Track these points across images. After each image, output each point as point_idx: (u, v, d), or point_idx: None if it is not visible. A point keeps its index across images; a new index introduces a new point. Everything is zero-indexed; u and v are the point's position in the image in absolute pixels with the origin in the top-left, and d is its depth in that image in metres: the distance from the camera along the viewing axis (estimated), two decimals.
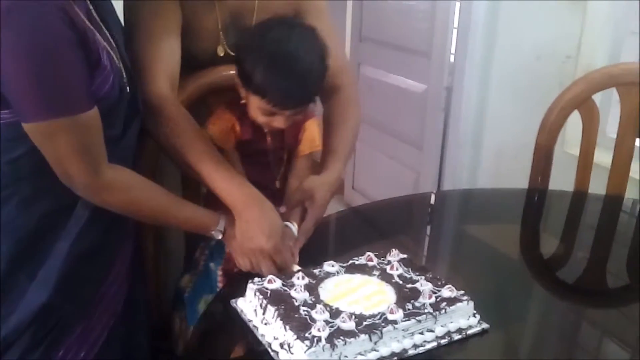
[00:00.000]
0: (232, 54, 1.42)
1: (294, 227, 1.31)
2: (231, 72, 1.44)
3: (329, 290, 1.09)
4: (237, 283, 1.20)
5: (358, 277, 1.14)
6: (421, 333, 1.02)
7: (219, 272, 1.41)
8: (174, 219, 1.28)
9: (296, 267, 1.23)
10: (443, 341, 1.03)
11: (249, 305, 1.10)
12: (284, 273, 1.19)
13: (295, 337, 0.96)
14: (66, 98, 1.05)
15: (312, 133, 1.40)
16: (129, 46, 1.30)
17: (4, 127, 1.07)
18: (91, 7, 1.15)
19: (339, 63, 1.48)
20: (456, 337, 1.05)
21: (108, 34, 1.18)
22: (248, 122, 1.32)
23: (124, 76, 1.19)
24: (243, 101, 1.29)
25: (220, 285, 1.40)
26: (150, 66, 1.30)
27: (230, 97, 1.34)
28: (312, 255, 1.27)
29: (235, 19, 1.43)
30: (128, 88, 1.20)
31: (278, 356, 0.98)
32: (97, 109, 1.09)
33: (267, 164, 1.40)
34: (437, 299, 1.07)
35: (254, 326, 1.06)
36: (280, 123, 1.27)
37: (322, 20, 1.48)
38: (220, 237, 1.28)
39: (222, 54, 1.44)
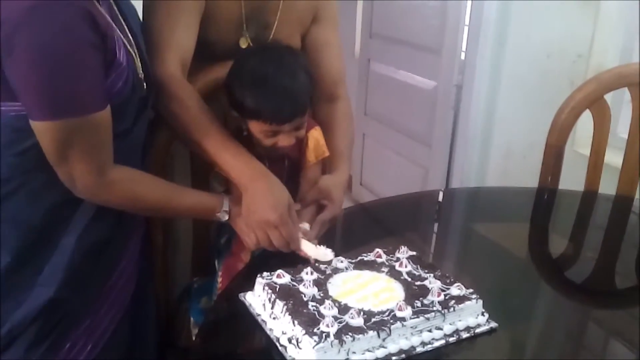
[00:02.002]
0: (253, 46, 1.45)
1: (305, 225, 1.32)
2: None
3: (337, 286, 1.09)
4: (240, 282, 1.21)
5: (367, 274, 1.14)
6: (429, 331, 1.02)
7: (219, 276, 1.42)
8: (178, 208, 1.28)
9: (316, 251, 1.22)
10: (451, 339, 1.03)
11: (257, 299, 1.10)
12: (291, 247, 1.21)
13: (303, 332, 0.96)
14: (79, 99, 1.05)
15: (316, 141, 1.41)
16: (145, 24, 1.31)
17: (13, 119, 1.06)
18: (112, 3, 1.15)
19: (340, 75, 1.55)
20: (464, 335, 1.05)
21: (127, 29, 1.18)
22: (252, 151, 1.33)
23: (140, 73, 1.19)
24: (245, 133, 1.32)
25: (220, 287, 1.41)
26: (164, 46, 1.32)
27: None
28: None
29: (259, 14, 1.44)
30: (145, 85, 1.20)
31: (286, 351, 0.98)
32: (109, 108, 1.09)
33: None
34: (446, 297, 1.07)
35: (262, 320, 1.06)
36: (285, 141, 1.29)
37: (334, 29, 1.54)
38: (226, 217, 1.28)
39: (244, 46, 1.45)
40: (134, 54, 1.17)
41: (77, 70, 1.03)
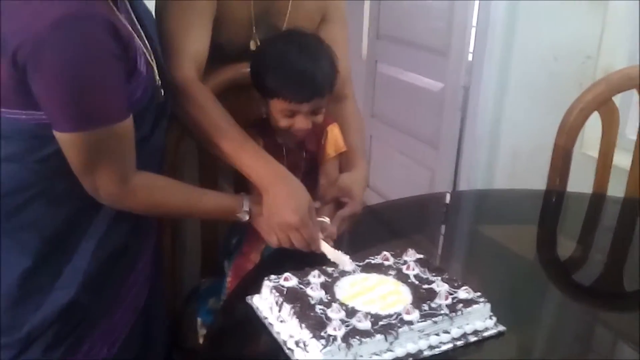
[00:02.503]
0: None
1: (326, 219, 1.33)
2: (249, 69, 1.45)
3: (344, 289, 1.09)
4: (249, 283, 1.21)
5: (374, 277, 1.14)
6: (437, 334, 1.02)
7: (229, 276, 1.42)
8: (199, 211, 1.30)
9: (335, 254, 1.22)
10: (459, 343, 1.03)
11: (264, 302, 1.10)
12: (312, 248, 1.22)
13: (310, 335, 0.96)
14: (104, 110, 1.06)
15: (335, 136, 1.43)
16: (159, 28, 1.33)
17: (34, 127, 1.07)
18: (131, 10, 1.16)
19: (348, 74, 1.55)
20: (472, 339, 1.04)
21: (144, 35, 1.19)
22: (271, 139, 1.37)
23: (157, 79, 1.20)
24: (264, 115, 1.34)
25: (229, 287, 1.41)
26: (180, 49, 1.33)
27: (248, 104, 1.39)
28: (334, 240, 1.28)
29: (268, 16, 1.45)
30: (162, 92, 1.21)
31: (293, 354, 0.98)
32: (131, 117, 1.10)
33: None
34: (454, 300, 1.06)
35: (270, 323, 1.06)
36: (301, 124, 1.31)
37: (342, 29, 1.56)
38: (247, 218, 1.28)
39: (254, 48, 1.46)
40: (151, 61, 1.18)
41: (102, 82, 1.04)
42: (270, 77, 1.29)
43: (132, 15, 1.18)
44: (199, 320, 1.48)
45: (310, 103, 1.30)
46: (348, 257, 1.19)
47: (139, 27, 1.19)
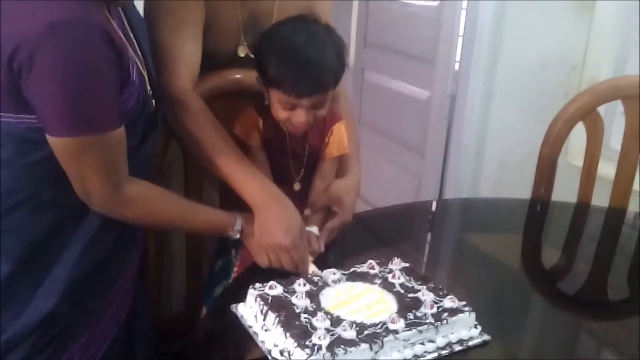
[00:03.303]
0: (252, 55, 1.44)
1: (314, 229, 1.33)
2: (236, 76, 1.45)
3: (330, 298, 1.09)
4: (251, 273, 1.23)
5: (360, 285, 1.14)
6: (422, 343, 1.02)
7: (236, 265, 1.42)
8: (192, 225, 1.29)
9: (314, 269, 1.22)
10: (444, 352, 1.03)
11: (249, 310, 1.09)
12: (300, 270, 1.21)
13: (295, 344, 0.95)
14: (97, 117, 1.06)
15: (340, 136, 1.41)
16: (151, 39, 1.32)
17: (24, 131, 1.06)
18: (125, 20, 1.16)
19: None
20: (457, 348, 1.04)
21: (137, 45, 1.18)
22: (271, 122, 1.34)
23: (149, 89, 1.20)
24: (267, 101, 1.31)
25: (235, 271, 1.40)
26: (173, 60, 1.32)
27: (244, 102, 1.37)
28: (315, 261, 1.26)
29: (255, 20, 1.44)
30: (153, 102, 1.21)
31: None
32: (124, 127, 1.10)
33: (287, 165, 1.41)
34: (439, 310, 1.06)
35: (254, 332, 1.05)
36: (300, 117, 1.27)
37: None
38: (238, 236, 1.28)
39: (242, 55, 1.45)
40: (143, 71, 1.18)
41: (97, 87, 1.04)
42: (272, 65, 1.24)
43: (125, 24, 1.18)
44: (204, 308, 1.46)
45: (311, 98, 1.25)
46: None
47: (131, 36, 1.19)
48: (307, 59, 1.22)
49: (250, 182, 1.27)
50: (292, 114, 1.27)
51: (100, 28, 1.02)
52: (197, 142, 1.30)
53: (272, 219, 1.24)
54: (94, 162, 1.08)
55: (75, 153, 1.06)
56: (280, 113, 1.29)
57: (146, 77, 1.20)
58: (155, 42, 1.33)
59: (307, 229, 1.31)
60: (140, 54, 1.20)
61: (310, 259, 1.26)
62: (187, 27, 1.34)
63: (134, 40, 1.20)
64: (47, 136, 1.05)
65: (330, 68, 1.26)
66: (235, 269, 1.41)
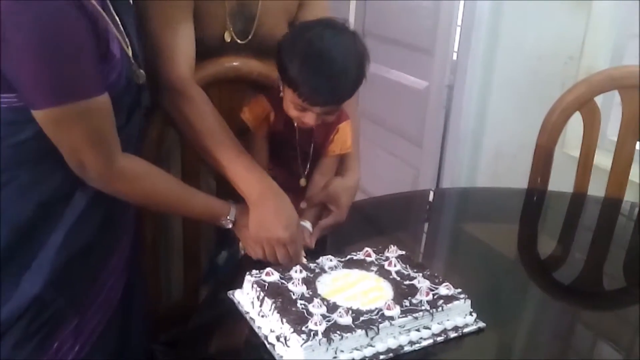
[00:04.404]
0: (238, 40, 1.45)
1: (307, 224, 1.33)
2: (234, 64, 1.45)
3: (326, 285, 1.09)
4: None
5: (356, 273, 1.14)
6: (417, 330, 1.03)
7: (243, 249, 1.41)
8: (186, 207, 1.29)
9: (303, 259, 1.23)
10: (439, 339, 1.04)
11: (246, 297, 1.10)
12: (294, 264, 1.21)
13: (291, 330, 0.96)
14: (77, 83, 1.04)
15: (345, 135, 1.40)
16: (145, 30, 1.31)
17: (7, 111, 1.05)
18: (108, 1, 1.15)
19: None
20: (452, 335, 1.05)
21: (121, 26, 1.18)
22: (282, 114, 1.34)
23: (134, 69, 1.19)
24: (281, 94, 1.30)
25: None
26: (171, 50, 1.32)
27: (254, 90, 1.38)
28: (311, 250, 1.27)
29: (242, 6, 1.44)
30: (140, 80, 1.20)
31: (274, 349, 0.98)
32: (108, 95, 1.09)
33: (294, 159, 1.41)
34: (435, 297, 1.07)
35: (251, 318, 1.06)
36: (310, 120, 1.27)
37: (324, 12, 1.52)
38: (230, 226, 1.28)
39: (229, 40, 1.45)
40: (126, 48, 1.17)
41: (74, 54, 1.02)
42: (293, 68, 1.22)
43: (109, 6, 1.16)
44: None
45: (325, 107, 1.26)
46: None
47: (116, 17, 1.17)
48: (328, 71, 1.21)
49: (248, 175, 1.27)
50: (302, 115, 1.28)
51: None
52: (196, 131, 1.30)
53: (271, 213, 1.24)
54: (84, 132, 1.07)
55: (62, 124, 1.05)
56: (291, 111, 1.29)
57: (130, 54, 1.19)
58: (150, 33, 1.32)
59: (301, 223, 1.32)
60: (123, 31, 1.19)
61: (303, 253, 1.27)
62: (180, 15, 1.34)
63: (116, 17, 1.18)
64: (33, 112, 1.03)
65: (349, 81, 1.25)
66: (242, 253, 1.41)
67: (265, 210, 1.25)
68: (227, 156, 1.28)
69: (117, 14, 1.18)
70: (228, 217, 1.27)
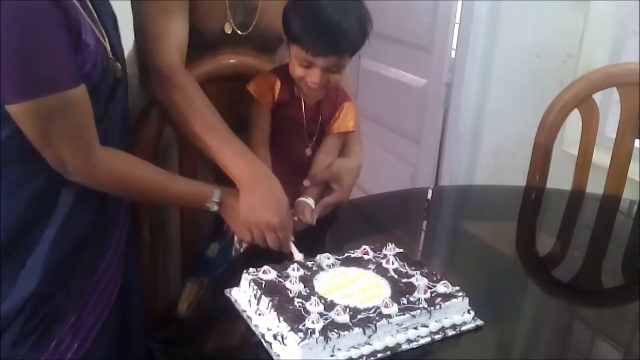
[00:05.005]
0: (239, 32, 1.45)
1: (310, 201, 1.35)
2: (231, 61, 1.44)
3: (324, 283, 1.09)
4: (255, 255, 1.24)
5: (353, 270, 1.14)
6: (415, 328, 1.02)
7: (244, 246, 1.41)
8: (168, 194, 1.26)
9: (299, 256, 1.23)
10: (437, 337, 1.03)
11: (243, 295, 1.09)
12: (282, 248, 1.24)
13: (289, 328, 0.95)
14: (51, 75, 1.02)
15: (349, 113, 1.45)
16: (138, 17, 1.32)
17: None
18: None
19: None
20: (450, 333, 1.05)
21: (96, 17, 1.16)
22: (288, 85, 1.38)
23: (110, 58, 1.17)
24: (288, 60, 1.35)
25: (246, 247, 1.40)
26: (162, 37, 1.32)
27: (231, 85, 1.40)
28: (308, 247, 1.26)
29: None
30: (118, 73, 1.19)
31: (271, 348, 0.98)
32: (84, 87, 1.07)
33: (300, 130, 1.43)
34: (432, 295, 1.07)
35: (248, 317, 1.06)
36: (315, 77, 1.30)
37: None
38: (216, 208, 1.27)
39: (229, 32, 1.45)
40: (101, 38, 1.15)
41: (46, 46, 1.00)
42: (296, 22, 1.28)
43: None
44: (187, 285, 1.46)
45: (328, 58, 1.28)
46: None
47: (91, 8, 1.15)
48: (329, 21, 1.26)
49: (239, 159, 1.27)
50: (307, 73, 1.31)
51: None
52: (185, 117, 1.29)
53: (261, 197, 1.24)
54: (60, 126, 1.05)
55: (37, 118, 1.03)
56: (297, 70, 1.32)
57: (107, 46, 1.17)
58: (141, 19, 1.33)
59: (303, 199, 1.35)
60: (98, 21, 1.17)
61: (292, 238, 1.27)
62: (172, 3, 1.34)
63: (95, 14, 1.16)
64: (7, 108, 1.01)
65: (349, 34, 1.28)
66: (245, 246, 1.41)
67: (255, 195, 1.25)
68: (216, 141, 1.28)
69: (93, 7, 1.16)
70: (213, 199, 1.26)
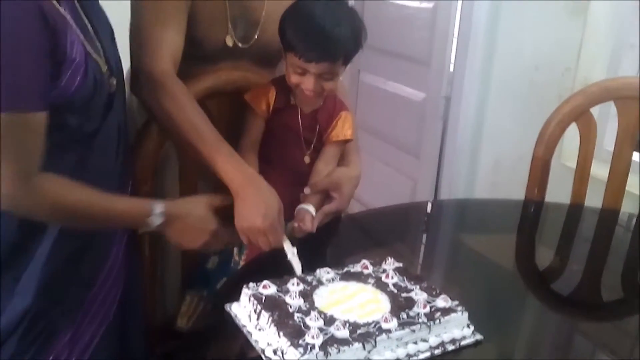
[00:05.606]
0: (240, 45, 1.47)
1: (311, 208, 1.37)
2: (231, 77, 1.46)
3: (323, 297, 1.09)
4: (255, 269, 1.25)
5: (353, 285, 1.14)
6: (415, 343, 1.02)
7: (242, 260, 1.43)
8: (108, 214, 1.17)
9: (299, 268, 1.23)
10: (437, 351, 1.03)
11: (243, 310, 1.09)
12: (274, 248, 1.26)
13: (289, 343, 0.95)
14: (13, 93, 0.97)
15: (347, 122, 1.47)
16: (134, 23, 1.33)
17: None
18: (77, 3, 1.13)
19: None
20: (450, 347, 1.04)
21: (91, 30, 1.15)
22: (284, 93, 1.42)
23: (104, 73, 1.15)
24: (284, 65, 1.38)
25: (244, 259, 1.42)
26: (156, 44, 1.34)
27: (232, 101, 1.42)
28: (307, 262, 1.27)
29: (244, 12, 1.46)
30: (112, 89, 1.17)
31: None
32: (46, 114, 1.02)
33: (298, 138, 1.45)
34: (432, 309, 1.07)
35: (248, 332, 1.05)
36: (309, 84, 1.34)
37: None
38: (160, 221, 1.20)
39: (230, 44, 1.46)
40: (94, 52, 1.13)
41: (15, 62, 0.96)
42: (290, 30, 1.33)
43: (78, 8, 1.13)
44: (187, 298, 1.48)
45: (320, 65, 1.32)
46: (301, 264, 1.22)
47: (84, 19, 1.13)
48: (321, 29, 1.30)
49: (229, 165, 1.28)
50: (302, 80, 1.34)
51: (32, 3, 0.96)
52: (176, 124, 1.30)
53: (251, 201, 1.26)
54: (7, 146, 0.99)
55: None
56: (292, 77, 1.36)
57: (101, 60, 1.15)
58: (138, 23, 1.34)
59: (304, 207, 1.37)
60: (93, 35, 1.15)
61: (288, 243, 1.28)
62: (170, 11, 1.36)
63: (89, 26, 1.14)
64: None
65: (341, 41, 1.32)
66: (244, 258, 1.42)
67: (244, 201, 1.26)
68: (207, 147, 1.29)
69: (88, 20, 1.16)
70: (154, 212, 1.19)
